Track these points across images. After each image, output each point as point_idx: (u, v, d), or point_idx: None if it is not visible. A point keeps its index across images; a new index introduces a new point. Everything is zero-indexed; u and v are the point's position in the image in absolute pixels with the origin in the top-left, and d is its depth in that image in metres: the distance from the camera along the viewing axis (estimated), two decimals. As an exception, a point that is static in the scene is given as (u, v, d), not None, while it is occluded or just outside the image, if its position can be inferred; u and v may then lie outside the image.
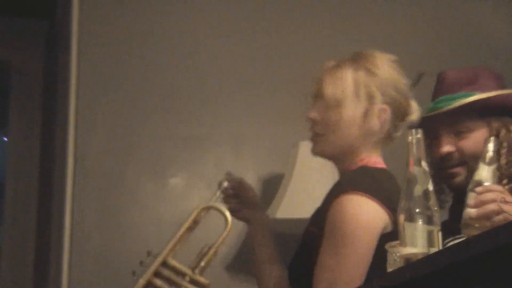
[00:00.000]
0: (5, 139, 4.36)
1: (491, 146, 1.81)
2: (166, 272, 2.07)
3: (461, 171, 2.15)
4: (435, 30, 3.49)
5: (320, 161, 2.92)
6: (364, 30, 3.38)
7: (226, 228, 2.12)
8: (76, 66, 3.11)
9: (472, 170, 1.85)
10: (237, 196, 2.23)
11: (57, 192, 3.31)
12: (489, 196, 1.71)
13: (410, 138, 1.66)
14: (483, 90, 2.20)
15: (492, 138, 1.83)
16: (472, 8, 3.56)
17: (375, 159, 2.06)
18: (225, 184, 2.18)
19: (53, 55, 3.72)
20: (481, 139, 2.05)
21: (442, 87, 2.25)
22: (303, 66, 3.27)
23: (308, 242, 2.04)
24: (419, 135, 1.65)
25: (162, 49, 3.22)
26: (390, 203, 1.90)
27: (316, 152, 2.12)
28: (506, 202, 1.70)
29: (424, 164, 1.63)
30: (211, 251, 2.12)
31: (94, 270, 2.96)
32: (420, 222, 1.58)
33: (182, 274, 2.07)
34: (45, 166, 3.73)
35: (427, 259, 1.48)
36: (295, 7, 3.37)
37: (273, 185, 3.06)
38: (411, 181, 1.62)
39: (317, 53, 3.28)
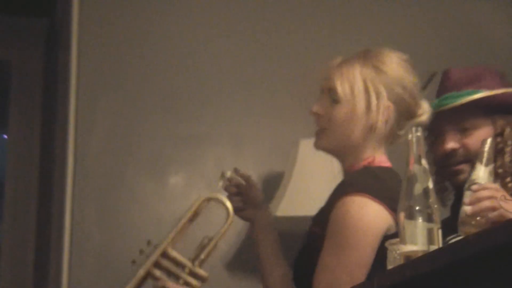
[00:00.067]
0: (5, 136, 4.36)
1: (487, 147, 1.82)
2: (165, 263, 2.05)
3: (465, 168, 2.15)
4: (435, 30, 3.49)
5: (320, 160, 2.92)
6: (364, 30, 3.38)
7: (227, 220, 2.11)
8: (76, 65, 3.11)
9: None
10: (240, 194, 2.22)
11: (57, 191, 3.31)
12: (484, 193, 1.72)
13: (410, 136, 1.66)
14: (488, 88, 2.21)
15: (489, 139, 1.84)
16: (472, 8, 3.56)
17: (379, 158, 2.05)
18: (228, 173, 2.17)
19: (53, 53, 3.72)
20: (486, 137, 2.06)
21: (447, 85, 2.26)
22: (303, 65, 3.28)
23: (311, 242, 2.04)
24: (419, 133, 1.65)
25: (162, 48, 3.22)
26: (394, 203, 1.89)
27: (318, 146, 2.12)
28: (506, 200, 1.70)
29: (424, 162, 1.63)
30: (212, 243, 2.10)
31: (94, 269, 2.96)
32: (420, 220, 1.58)
33: (182, 266, 2.05)
34: (45, 165, 3.73)
35: (427, 257, 1.49)
36: (295, 6, 3.37)
37: (274, 183, 3.06)
38: (411, 179, 1.62)
39: (317, 52, 3.29)
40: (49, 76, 3.79)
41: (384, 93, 2.02)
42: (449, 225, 1.81)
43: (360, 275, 1.88)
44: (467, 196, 1.75)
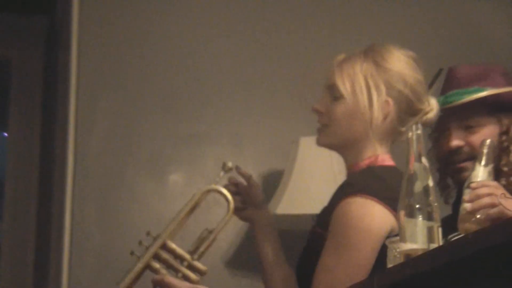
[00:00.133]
0: (5, 134, 4.36)
1: (487, 148, 1.82)
2: (164, 255, 2.04)
3: (469, 166, 2.15)
4: (435, 30, 3.49)
5: (320, 158, 2.93)
6: (364, 30, 3.38)
7: (228, 212, 2.10)
8: (76, 64, 3.11)
9: None
10: (240, 194, 2.21)
11: (57, 190, 3.31)
12: (484, 190, 1.72)
13: (410, 134, 1.66)
14: (494, 86, 2.21)
15: (488, 140, 1.85)
16: (472, 8, 3.56)
17: (382, 157, 2.04)
18: (229, 164, 2.15)
19: (53, 52, 3.72)
20: (491, 135, 2.07)
21: (453, 82, 2.26)
22: (303, 64, 3.28)
23: (314, 243, 2.03)
24: (419, 131, 1.65)
25: (162, 47, 3.22)
26: (396, 204, 1.89)
27: (320, 143, 2.11)
28: (505, 198, 1.70)
29: (424, 160, 1.63)
30: (211, 236, 2.09)
31: (94, 269, 2.96)
32: (420, 218, 1.58)
33: (181, 259, 2.05)
34: (45, 165, 3.73)
35: (427, 255, 1.49)
36: (295, 6, 3.37)
37: (273, 181, 3.06)
38: (411, 177, 1.62)
39: (317, 51, 3.29)
40: (49, 75, 3.79)
41: (383, 89, 2.02)
42: (451, 223, 1.81)
43: (360, 276, 1.87)
44: (467, 194, 1.75)
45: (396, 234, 1.85)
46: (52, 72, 3.71)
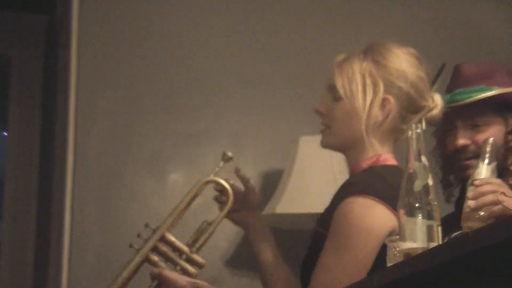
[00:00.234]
0: (5, 133, 4.35)
1: (489, 146, 1.83)
2: (163, 248, 2.04)
3: (474, 164, 2.13)
4: (435, 30, 3.49)
5: (320, 157, 2.93)
6: (364, 30, 3.38)
7: (226, 204, 2.09)
8: (76, 62, 3.11)
9: None
10: (235, 196, 2.19)
11: (57, 190, 3.31)
12: (487, 188, 1.73)
13: (410, 132, 1.66)
14: (500, 85, 2.21)
15: (491, 139, 1.85)
16: (472, 8, 3.56)
17: (384, 156, 2.03)
18: (229, 154, 2.14)
19: (53, 51, 3.72)
20: (497, 134, 2.07)
21: (459, 80, 2.25)
22: (302, 63, 3.29)
23: (316, 243, 2.02)
24: (419, 130, 1.65)
25: (161, 46, 3.22)
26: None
27: (323, 144, 2.11)
28: (505, 195, 1.70)
29: (424, 159, 1.63)
30: (210, 228, 2.08)
31: (94, 269, 2.95)
32: (419, 217, 1.58)
33: (180, 251, 2.04)
34: (45, 163, 3.73)
35: (427, 254, 1.48)
36: (295, 5, 3.37)
37: (273, 180, 3.06)
38: (411, 176, 1.62)
39: (317, 51, 3.29)
40: (49, 74, 3.79)
41: (381, 87, 2.01)
42: (454, 221, 1.81)
43: (359, 276, 1.86)
44: (470, 191, 1.75)
45: (397, 233, 1.85)
46: (52, 71, 3.71)
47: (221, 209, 2.14)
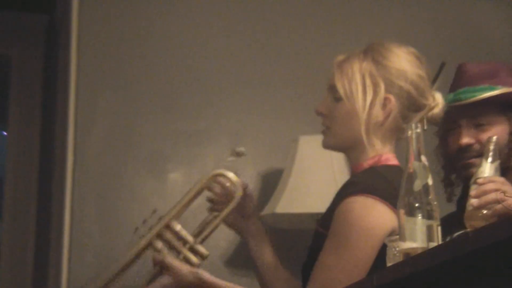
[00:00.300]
0: (5, 133, 4.35)
1: (493, 145, 1.84)
2: (168, 235, 2.03)
3: (477, 162, 2.13)
4: (434, 30, 3.49)
5: (320, 156, 2.93)
6: (364, 30, 3.38)
7: (234, 198, 2.09)
8: (75, 62, 3.12)
9: None
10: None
11: (57, 189, 3.31)
12: (490, 186, 1.73)
13: (410, 132, 1.65)
14: (504, 84, 2.21)
15: (495, 137, 1.85)
16: (472, 8, 3.56)
17: (386, 156, 2.02)
18: (242, 149, 2.14)
19: (53, 50, 3.72)
20: (501, 134, 2.07)
21: (462, 79, 2.25)
22: (302, 63, 3.29)
23: (318, 243, 2.02)
24: (419, 130, 1.65)
25: (161, 45, 3.22)
26: None
27: (325, 145, 2.11)
28: (506, 195, 1.71)
29: (423, 158, 1.63)
30: (216, 221, 2.08)
31: (94, 268, 2.95)
32: (419, 217, 1.58)
33: (184, 241, 2.04)
34: (45, 163, 3.73)
35: (426, 254, 1.48)
36: (295, 5, 3.37)
37: (273, 180, 3.06)
38: (410, 176, 1.62)
39: (317, 50, 3.29)
40: (49, 74, 3.79)
41: (381, 86, 2.01)
42: (456, 220, 1.81)
43: (359, 276, 1.86)
44: (473, 189, 1.76)
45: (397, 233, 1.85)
46: (52, 71, 3.71)
47: (229, 202, 2.13)
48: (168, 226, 2.04)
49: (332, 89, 2.06)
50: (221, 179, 2.13)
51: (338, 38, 3.32)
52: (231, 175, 2.11)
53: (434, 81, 2.09)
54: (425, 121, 2.02)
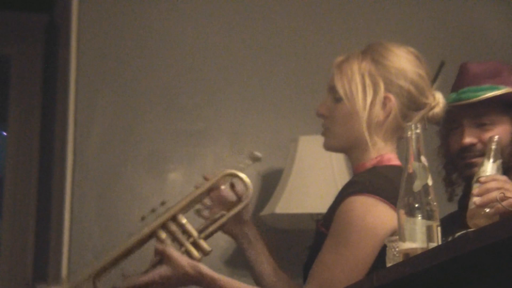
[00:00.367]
0: (4, 133, 4.36)
1: (495, 144, 1.84)
2: (173, 227, 2.04)
3: (480, 162, 2.14)
4: (434, 29, 3.49)
5: (320, 156, 2.93)
6: (364, 29, 3.38)
7: (243, 200, 2.10)
8: (75, 61, 3.12)
9: None
10: (229, 205, 2.17)
11: (57, 188, 3.31)
12: (493, 184, 1.73)
13: (409, 133, 1.65)
14: (507, 84, 2.21)
15: (496, 137, 1.86)
16: (471, 7, 3.56)
17: (388, 156, 2.02)
18: (259, 154, 2.14)
19: (53, 50, 3.72)
20: (504, 133, 2.07)
21: (465, 79, 2.25)
22: (302, 62, 3.29)
23: (319, 243, 2.01)
24: (418, 130, 1.65)
25: (161, 45, 3.22)
26: None
27: (326, 146, 2.10)
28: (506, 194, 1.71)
29: (423, 159, 1.63)
30: (223, 219, 2.08)
31: (93, 267, 2.95)
32: (419, 217, 1.58)
33: (188, 234, 2.04)
34: (45, 162, 3.73)
35: (426, 254, 1.48)
36: (295, 4, 3.37)
37: (273, 180, 3.06)
38: (410, 176, 1.62)
39: (316, 50, 3.29)
40: (48, 73, 3.79)
41: (381, 85, 2.00)
42: (457, 220, 1.81)
43: (358, 275, 1.85)
44: (476, 188, 1.76)
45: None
46: (51, 70, 3.71)
47: (237, 202, 2.13)
48: (174, 218, 2.04)
49: (332, 90, 2.06)
50: (233, 179, 2.13)
51: (338, 38, 3.32)
52: (243, 176, 2.11)
53: (434, 80, 2.09)
54: (425, 120, 2.01)
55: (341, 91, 2.03)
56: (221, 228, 2.11)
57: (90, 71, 3.14)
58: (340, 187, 2.08)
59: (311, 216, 2.91)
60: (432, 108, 2.04)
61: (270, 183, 3.07)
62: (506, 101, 2.20)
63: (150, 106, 3.16)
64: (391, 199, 1.87)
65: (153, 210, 2.05)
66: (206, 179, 2.16)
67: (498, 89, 2.20)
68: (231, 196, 2.16)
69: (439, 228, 1.59)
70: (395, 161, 2.03)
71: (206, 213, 2.16)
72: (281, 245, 3.09)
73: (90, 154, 3.06)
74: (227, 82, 3.23)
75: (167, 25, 3.25)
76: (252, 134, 3.18)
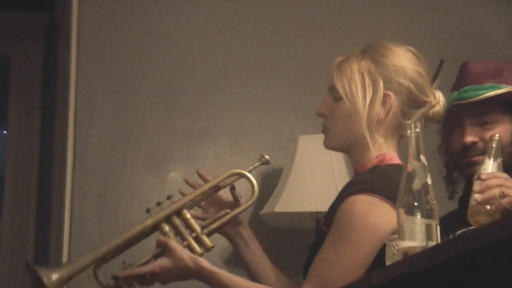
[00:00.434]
0: (5, 132, 4.36)
1: (495, 143, 1.84)
2: (177, 221, 2.04)
3: (481, 160, 2.15)
4: (434, 29, 3.49)
5: (319, 155, 2.93)
6: (363, 29, 3.38)
7: (250, 200, 2.10)
8: (75, 60, 3.12)
9: None
10: (227, 207, 2.17)
11: (57, 188, 3.31)
12: (494, 181, 1.73)
13: (409, 132, 1.65)
14: (508, 83, 2.22)
15: (497, 135, 1.86)
16: (471, 7, 3.56)
17: (389, 155, 2.02)
18: (267, 157, 2.15)
19: (53, 49, 3.72)
20: (505, 132, 2.08)
21: (466, 77, 2.26)
22: (302, 62, 3.29)
23: (321, 242, 2.01)
24: (418, 129, 1.65)
25: (161, 44, 3.22)
26: None
27: (326, 145, 2.11)
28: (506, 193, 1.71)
29: (423, 158, 1.63)
30: (227, 217, 2.09)
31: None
32: (419, 216, 1.58)
33: (191, 229, 2.05)
34: (45, 161, 3.73)
35: (426, 253, 1.48)
36: (295, 4, 3.37)
37: (272, 179, 3.06)
38: (410, 175, 1.62)
39: (316, 49, 3.29)
40: (48, 72, 3.79)
41: (380, 84, 2.01)
42: (458, 218, 1.81)
43: (357, 274, 1.85)
44: (477, 185, 1.76)
45: (398, 232, 1.85)
46: (51, 69, 3.71)
47: (236, 204, 2.14)
48: (178, 212, 2.05)
49: (332, 89, 2.06)
50: (240, 179, 2.14)
51: (338, 38, 3.32)
52: (251, 176, 2.12)
53: (434, 78, 2.09)
54: (425, 119, 2.02)
55: (341, 91, 2.03)
56: (225, 225, 2.12)
57: (90, 71, 3.14)
58: (339, 186, 2.08)
59: (310, 215, 2.91)
60: (432, 106, 2.05)
61: (270, 182, 3.07)
62: (507, 100, 2.21)
63: (150, 106, 3.16)
64: (393, 198, 1.86)
65: (158, 203, 2.06)
66: (199, 174, 2.18)
67: (499, 88, 2.20)
68: (226, 197, 2.18)
69: (438, 227, 1.59)
70: (396, 160, 2.02)
71: (200, 213, 2.17)
72: (281, 243, 3.09)
73: (90, 154, 3.06)
74: (227, 82, 3.23)
75: (167, 25, 3.25)
76: (252, 134, 3.18)
